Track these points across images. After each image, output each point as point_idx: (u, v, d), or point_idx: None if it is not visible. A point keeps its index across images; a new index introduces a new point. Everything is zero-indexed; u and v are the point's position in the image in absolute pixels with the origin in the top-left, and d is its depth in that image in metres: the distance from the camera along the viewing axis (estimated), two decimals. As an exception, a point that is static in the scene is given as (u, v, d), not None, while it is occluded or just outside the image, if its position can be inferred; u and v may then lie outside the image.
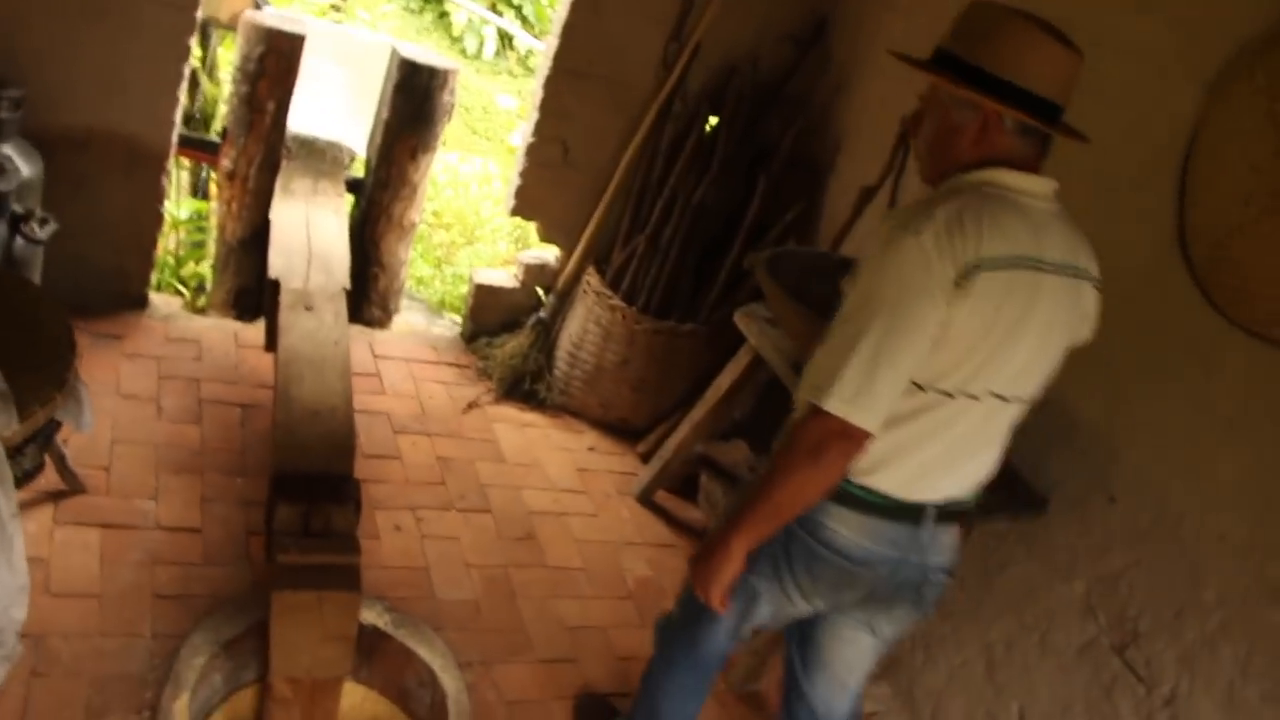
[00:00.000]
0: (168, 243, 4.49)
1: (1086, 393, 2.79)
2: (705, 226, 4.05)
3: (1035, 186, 1.89)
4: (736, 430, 4.02)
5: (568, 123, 4.12)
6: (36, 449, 1.65)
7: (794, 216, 4.00)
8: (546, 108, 4.08)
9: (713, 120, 4.08)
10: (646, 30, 3.99)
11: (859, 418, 1.74)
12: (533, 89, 4.25)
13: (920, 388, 1.86)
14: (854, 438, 1.77)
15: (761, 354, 3.31)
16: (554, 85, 4.04)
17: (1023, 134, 1.86)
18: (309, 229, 3.66)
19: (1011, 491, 2.87)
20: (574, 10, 3.91)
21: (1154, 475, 2.65)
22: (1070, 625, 2.80)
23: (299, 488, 2.46)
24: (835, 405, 1.73)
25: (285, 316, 3.06)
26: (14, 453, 1.58)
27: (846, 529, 2.00)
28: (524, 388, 4.23)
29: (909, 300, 1.73)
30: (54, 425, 1.72)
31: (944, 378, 1.86)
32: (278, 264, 3.38)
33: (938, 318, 1.75)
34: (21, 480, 1.58)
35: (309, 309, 3.13)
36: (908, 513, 2.02)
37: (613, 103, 4.10)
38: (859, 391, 1.72)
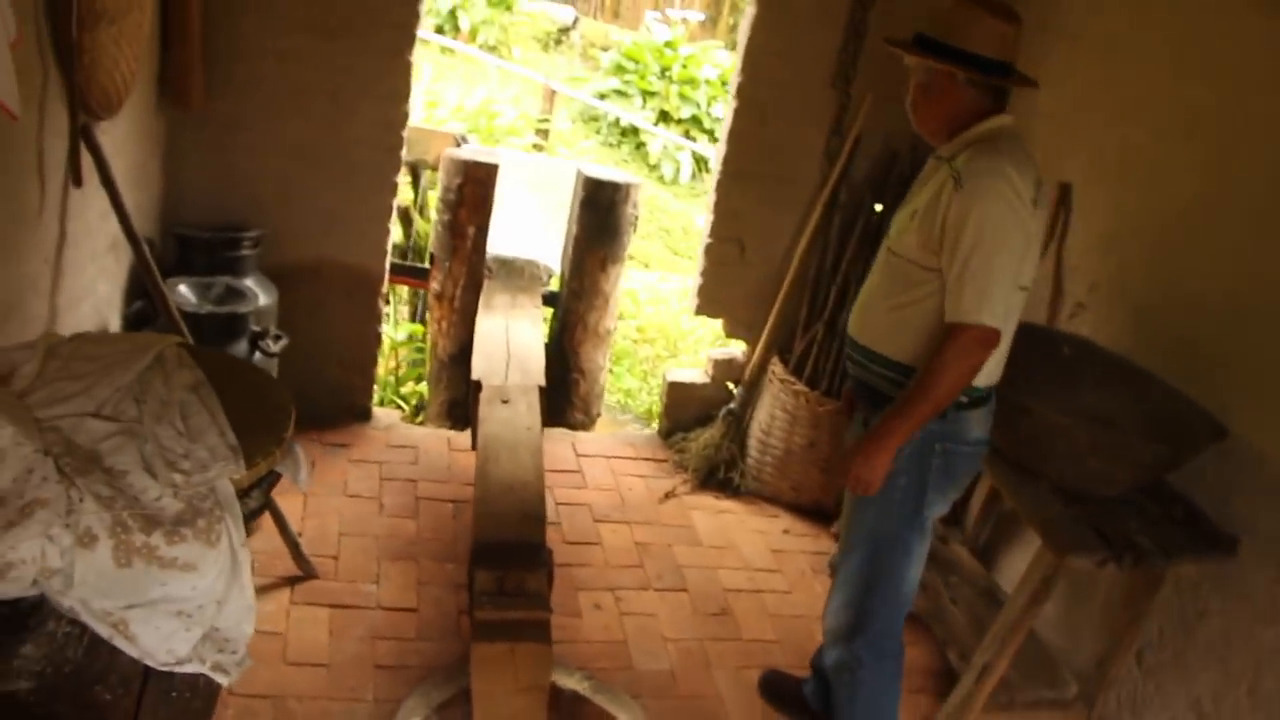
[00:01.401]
0: (388, 363, 4.93)
1: (1259, 421, 2.74)
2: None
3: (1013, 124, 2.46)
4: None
5: (741, 222, 4.36)
6: (260, 493, 1.98)
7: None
8: (720, 209, 4.33)
9: (878, 207, 4.22)
10: (807, 129, 4.22)
11: (999, 324, 2.30)
12: (707, 193, 4.53)
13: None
14: (994, 342, 2.32)
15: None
16: (725, 188, 4.30)
17: (984, 88, 2.38)
18: (508, 336, 3.99)
19: (1196, 532, 2.81)
20: (737, 117, 4.19)
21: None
22: (1279, 670, 2.68)
23: (496, 555, 2.69)
24: (988, 319, 2.28)
25: (484, 409, 3.36)
26: (242, 495, 1.88)
27: (978, 427, 2.55)
28: (719, 476, 4.39)
29: (1014, 228, 2.27)
30: (275, 476, 2.05)
31: (1025, 278, 2.42)
32: (479, 367, 3.70)
33: (1028, 233, 2.33)
34: (248, 518, 1.88)
35: (505, 402, 3.41)
36: (990, 399, 2.58)
37: (782, 199, 4.32)
38: (998, 304, 2.27)
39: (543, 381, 3.72)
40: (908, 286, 2.44)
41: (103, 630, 1.69)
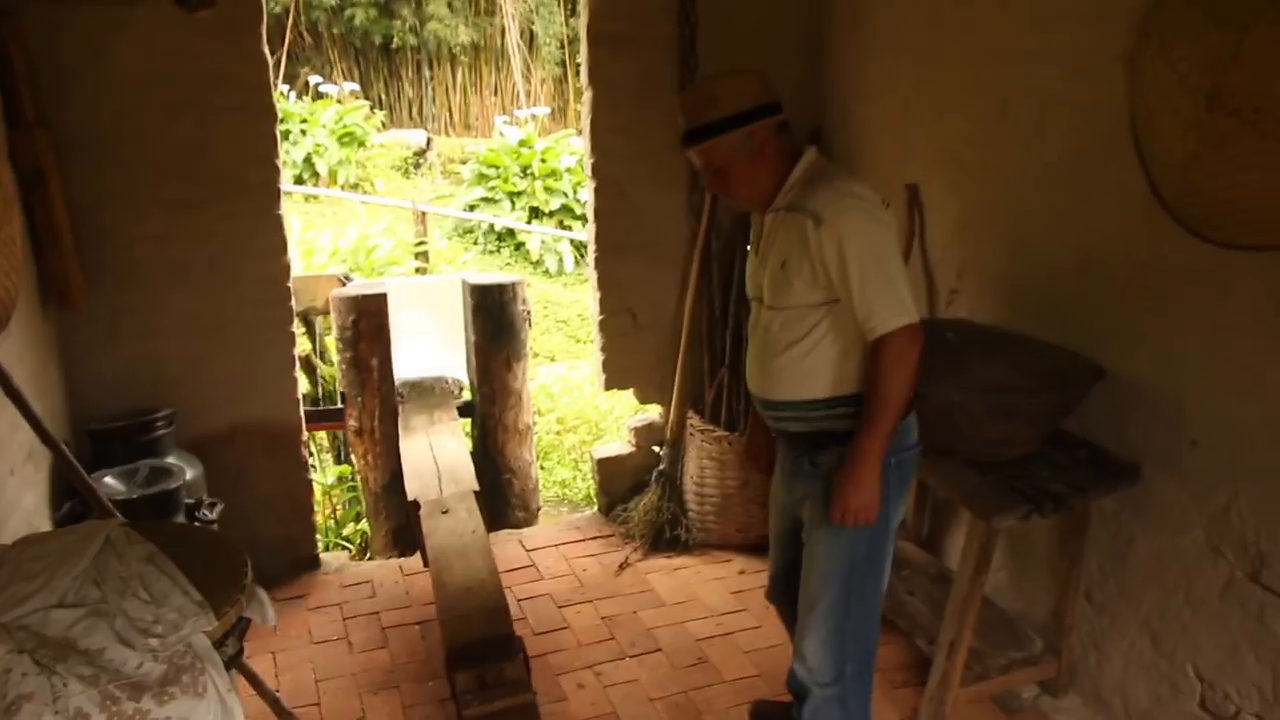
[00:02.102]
0: (324, 509, 4.99)
1: (1130, 356, 2.99)
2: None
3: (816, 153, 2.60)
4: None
5: (626, 291, 4.54)
6: (235, 640, 2.07)
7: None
8: (605, 284, 4.52)
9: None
10: (666, 191, 4.45)
11: (918, 317, 2.43)
12: (588, 273, 4.71)
13: None
14: (920, 335, 2.44)
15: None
16: (604, 263, 4.49)
17: (782, 129, 2.53)
18: (433, 452, 4.10)
19: (1102, 468, 3.02)
20: (599, 195, 4.41)
21: (1218, 405, 2.78)
22: (1205, 573, 2.87)
23: (470, 654, 2.79)
24: (907, 318, 2.40)
25: (426, 524, 3.47)
26: (218, 645, 1.97)
27: (914, 429, 2.68)
28: (666, 536, 4.52)
29: (886, 233, 2.44)
30: (245, 621, 2.14)
31: None
32: (413, 487, 3.81)
33: (893, 237, 2.49)
34: (227, 664, 1.96)
35: (445, 512, 3.52)
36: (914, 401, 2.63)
37: (659, 261, 4.53)
38: (909, 301, 2.42)
39: (476, 486, 3.83)
40: (804, 331, 2.51)
41: (114, 804, 1.76)
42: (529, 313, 4.82)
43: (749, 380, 2.75)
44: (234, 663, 2.08)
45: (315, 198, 12.04)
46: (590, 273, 4.61)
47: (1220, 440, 2.79)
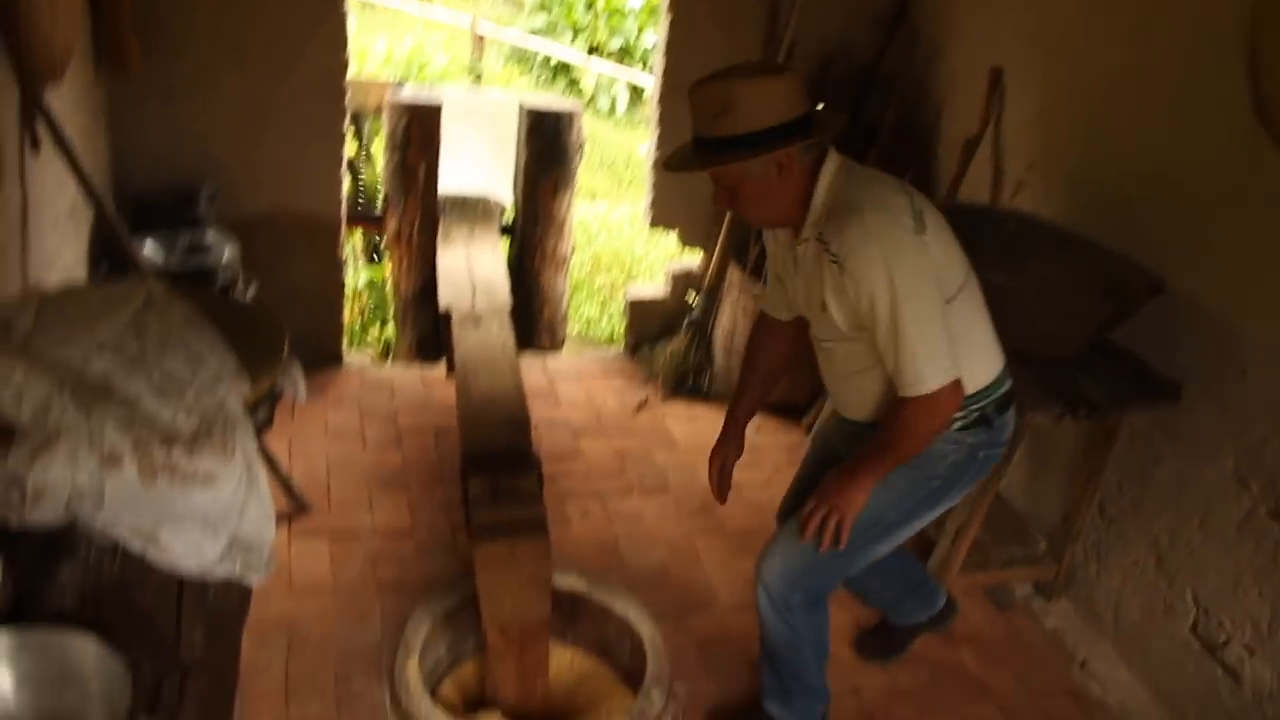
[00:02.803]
0: (353, 310, 5.00)
1: (1194, 276, 2.91)
2: (829, 205, 4.28)
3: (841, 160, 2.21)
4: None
5: (686, 132, 4.42)
6: (266, 408, 2.10)
7: (909, 180, 4.17)
8: (665, 123, 4.42)
9: (819, 106, 4.32)
10: (743, 37, 4.29)
11: (955, 371, 2.13)
12: (649, 105, 4.61)
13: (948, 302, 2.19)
14: (954, 394, 2.16)
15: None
16: (668, 101, 4.38)
17: (807, 148, 2.13)
18: (470, 265, 4.08)
19: (1143, 383, 2.99)
20: (673, 30, 4.27)
21: (1277, 340, 2.72)
22: (1226, 503, 2.87)
23: (486, 463, 2.80)
24: (936, 381, 2.11)
25: (458, 333, 3.46)
26: (249, 411, 1.98)
27: (1011, 424, 2.46)
28: (688, 384, 4.53)
29: (914, 272, 2.07)
30: (278, 392, 2.16)
31: (951, 284, 2.21)
32: (446, 296, 3.79)
33: (931, 256, 2.13)
34: (258, 430, 1.99)
35: (476, 324, 3.51)
36: (1012, 389, 2.47)
37: (725, 108, 4.40)
38: (940, 358, 2.10)
39: (510, 303, 3.81)
40: (870, 361, 2.27)
41: (135, 545, 1.79)
42: (583, 143, 4.72)
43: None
44: (262, 431, 2.09)
45: (372, 6, 11.75)
46: (651, 109, 4.51)
47: (1272, 375, 2.74)
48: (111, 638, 1.57)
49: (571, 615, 3.18)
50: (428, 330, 4.66)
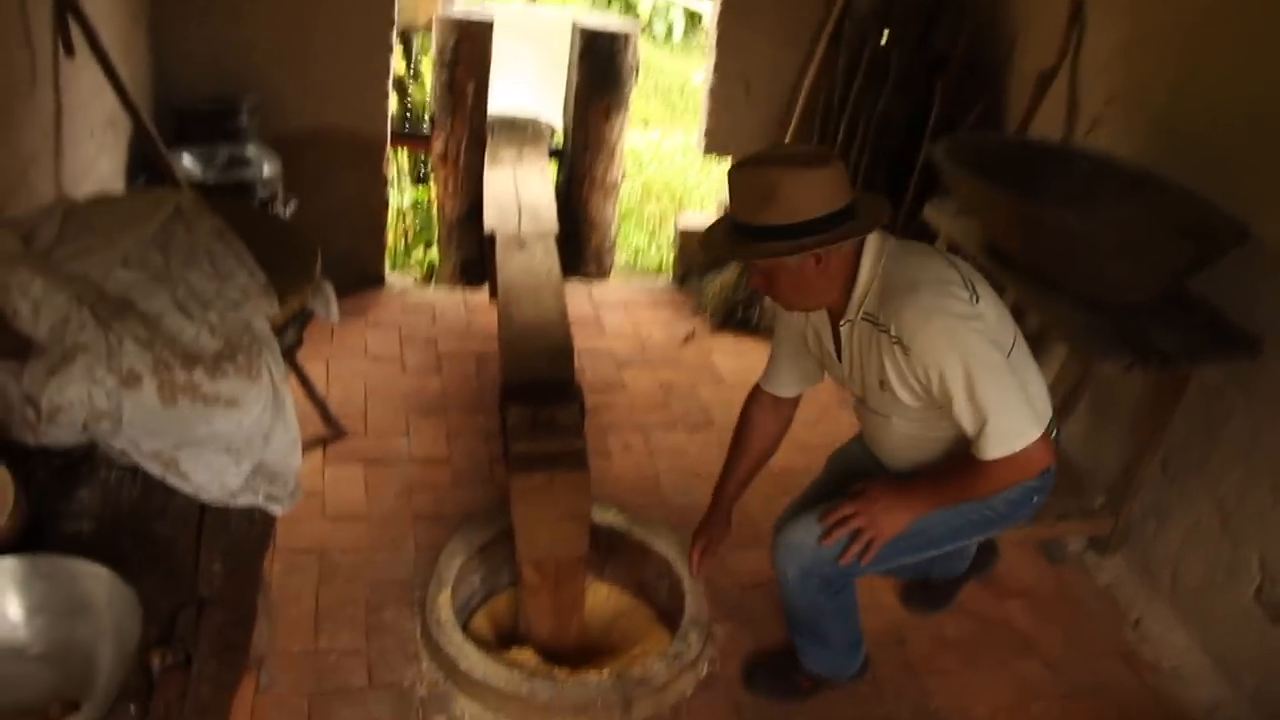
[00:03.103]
0: (396, 230, 4.91)
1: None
2: (890, 139, 4.10)
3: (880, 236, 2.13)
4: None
5: (745, 61, 4.28)
6: (295, 330, 1.99)
7: (977, 115, 4.00)
8: (723, 48, 4.25)
9: (885, 35, 4.13)
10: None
11: (1040, 426, 2.08)
12: (707, 32, 4.43)
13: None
14: (1043, 449, 2.09)
15: (954, 240, 3.36)
16: (725, 24, 4.20)
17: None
18: (517, 187, 3.95)
19: (1219, 334, 2.82)
20: (736, -50, 4.08)
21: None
22: (1303, 464, 2.72)
23: (527, 392, 2.69)
24: (1040, 424, 2.08)
25: (501, 256, 3.35)
26: (277, 333, 1.89)
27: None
28: (737, 317, 4.40)
29: (980, 341, 2.00)
30: (307, 313, 2.05)
31: (1006, 343, 2.15)
32: (491, 218, 3.68)
33: (988, 321, 2.07)
34: (285, 354, 1.89)
35: (522, 248, 3.40)
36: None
37: (784, 36, 4.25)
38: (1021, 412, 2.04)
39: (556, 228, 3.69)
40: (934, 428, 2.23)
41: (155, 470, 1.71)
42: (638, 66, 4.55)
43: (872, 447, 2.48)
44: (291, 354, 1.99)
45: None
46: (709, 35, 4.34)
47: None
48: (127, 566, 1.50)
49: (609, 551, 3.11)
50: (472, 254, 4.55)
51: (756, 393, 2.61)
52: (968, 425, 2.05)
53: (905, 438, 2.30)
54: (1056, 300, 2.90)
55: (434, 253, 4.92)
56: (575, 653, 2.84)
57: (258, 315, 1.84)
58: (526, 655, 2.78)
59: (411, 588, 2.89)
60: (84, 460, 1.77)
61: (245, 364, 1.74)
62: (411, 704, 2.57)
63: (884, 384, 2.14)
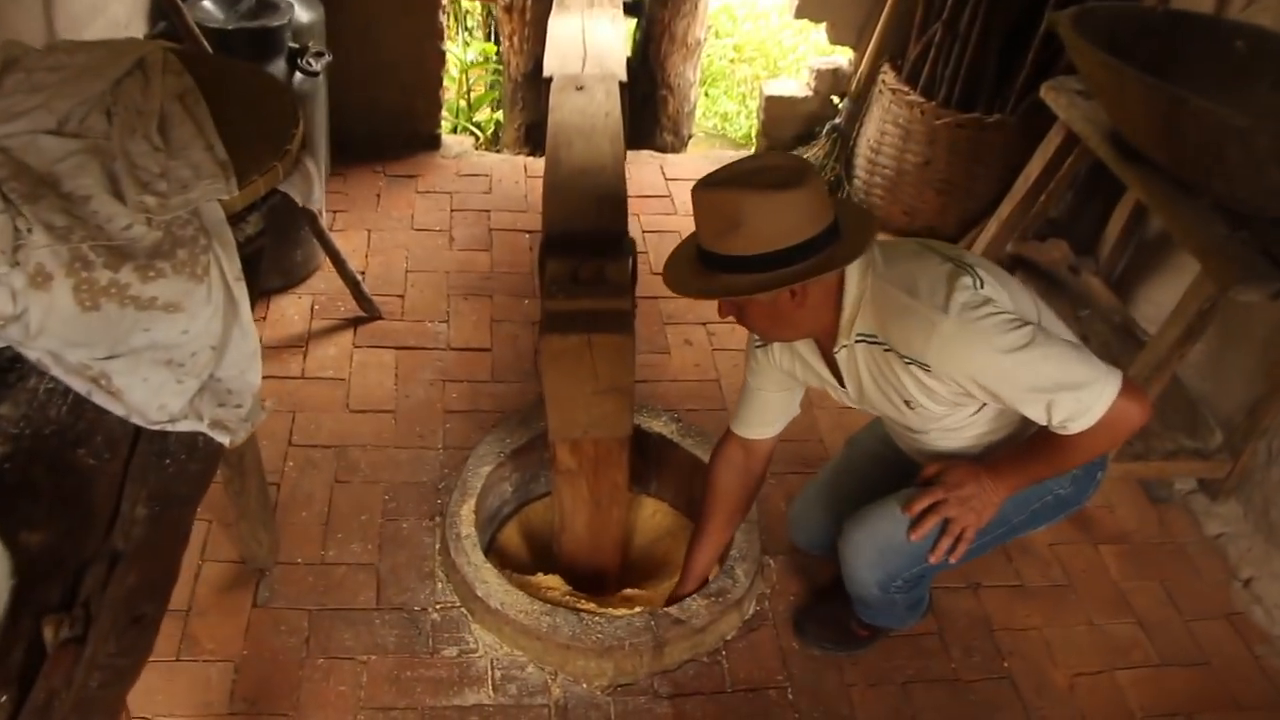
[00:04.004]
0: (460, 87, 4.53)
1: None
2: (1007, 5, 3.56)
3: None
4: (1055, 229, 3.60)
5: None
6: (259, 218, 1.61)
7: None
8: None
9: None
10: None
11: (1116, 376, 1.74)
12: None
13: None
14: (1131, 385, 1.77)
15: (1072, 128, 2.89)
16: None
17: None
18: (584, 34, 3.49)
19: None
20: None
21: None
22: None
23: (570, 242, 2.26)
24: (1115, 375, 1.74)
25: (555, 98, 2.93)
26: (236, 220, 1.55)
27: None
28: (825, 201, 3.98)
29: (1009, 322, 1.72)
30: (278, 196, 1.68)
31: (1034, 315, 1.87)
32: (551, 64, 3.22)
33: (1004, 304, 1.77)
34: (243, 246, 1.55)
35: (580, 89, 2.98)
36: None
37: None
38: (1096, 367, 1.74)
39: (624, 76, 3.23)
40: (949, 435, 2.00)
41: (79, 386, 1.42)
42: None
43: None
44: (250, 244, 1.65)
45: None
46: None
47: None
48: (35, 503, 1.23)
49: (658, 463, 2.81)
50: (539, 115, 4.17)
51: (725, 446, 2.28)
52: (1035, 416, 1.77)
53: (944, 435, 2.01)
54: (1191, 207, 2.45)
55: (501, 113, 4.56)
56: (612, 570, 2.57)
57: (209, 200, 1.51)
58: (554, 581, 2.52)
59: (435, 494, 2.63)
60: (11, 367, 1.48)
61: (188, 260, 1.43)
62: (421, 630, 2.33)
63: (910, 403, 1.88)
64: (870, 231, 1.73)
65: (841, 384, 1.98)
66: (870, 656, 2.42)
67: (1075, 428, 1.75)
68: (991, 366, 1.71)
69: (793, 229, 1.64)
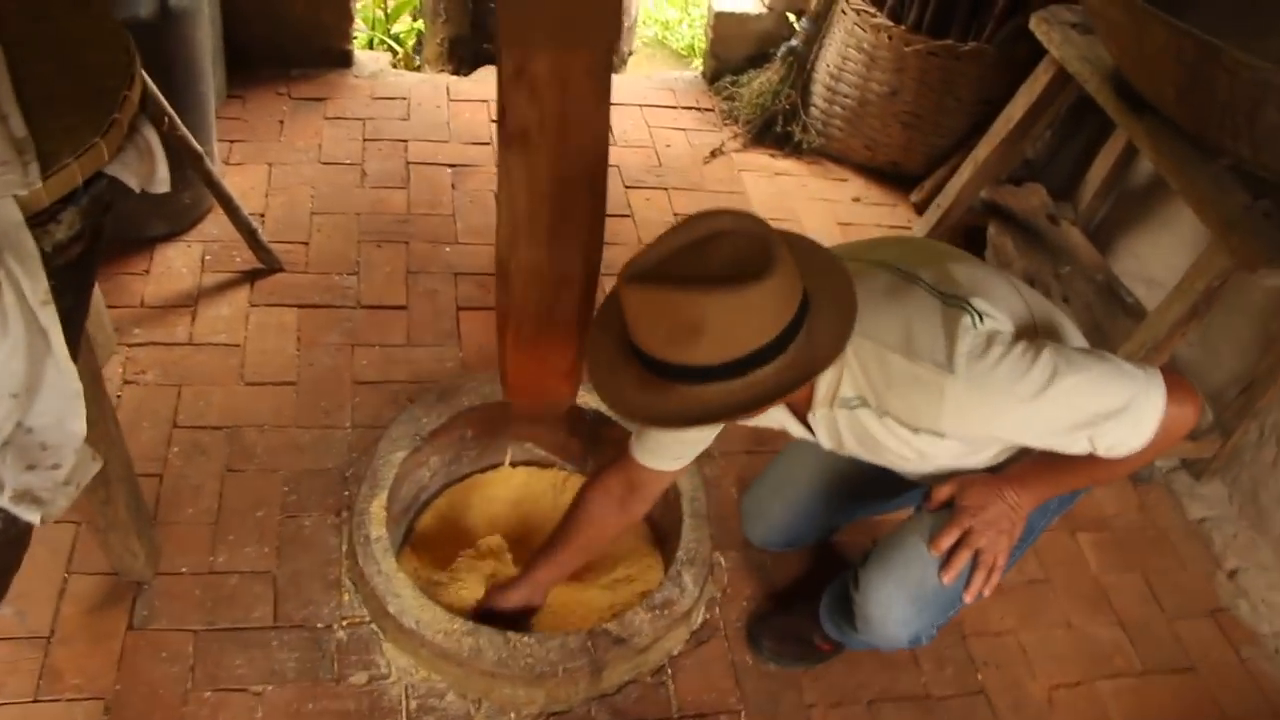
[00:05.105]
0: (376, -5, 4.08)
1: None
2: (990, -87, 3.21)
3: None
4: (1030, 171, 3.30)
5: None
6: (76, 213, 1.21)
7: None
8: None
9: None
10: None
11: (1159, 383, 1.48)
12: None
13: None
14: (1180, 386, 1.51)
15: (1066, 68, 2.57)
16: None
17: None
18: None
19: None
20: None
21: None
22: None
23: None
24: (1158, 388, 1.47)
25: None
26: (44, 220, 1.17)
27: None
28: (775, 130, 3.63)
29: (1018, 358, 1.43)
30: (103, 182, 1.28)
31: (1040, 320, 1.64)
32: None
33: (1007, 330, 1.50)
34: (54, 255, 1.16)
35: None
36: None
37: None
38: (1133, 377, 1.47)
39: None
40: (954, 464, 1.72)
41: None
42: None
43: None
44: (64, 252, 1.24)
45: None
46: None
47: None
48: None
49: (594, 440, 2.50)
50: (463, 27, 3.76)
51: (608, 475, 1.94)
52: (1077, 452, 1.51)
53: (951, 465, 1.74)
54: (1207, 170, 2.17)
55: (422, 23, 4.11)
56: (567, 392, 2.20)
57: (1, 195, 1.13)
58: (494, 543, 2.25)
59: (342, 483, 2.31)
60: None
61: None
62: (325, 652, 2.03)
63: (910, 459, 1.64)
64: (849, 302, 1.40)
65: (813, 434, 1.69)
66: (832, 672, 2.17)
67: (1125, 450, 1.50)
68: (1016, 418, 1.46)
69: (767, 323, 1.32)
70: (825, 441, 1.71)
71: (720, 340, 1.30)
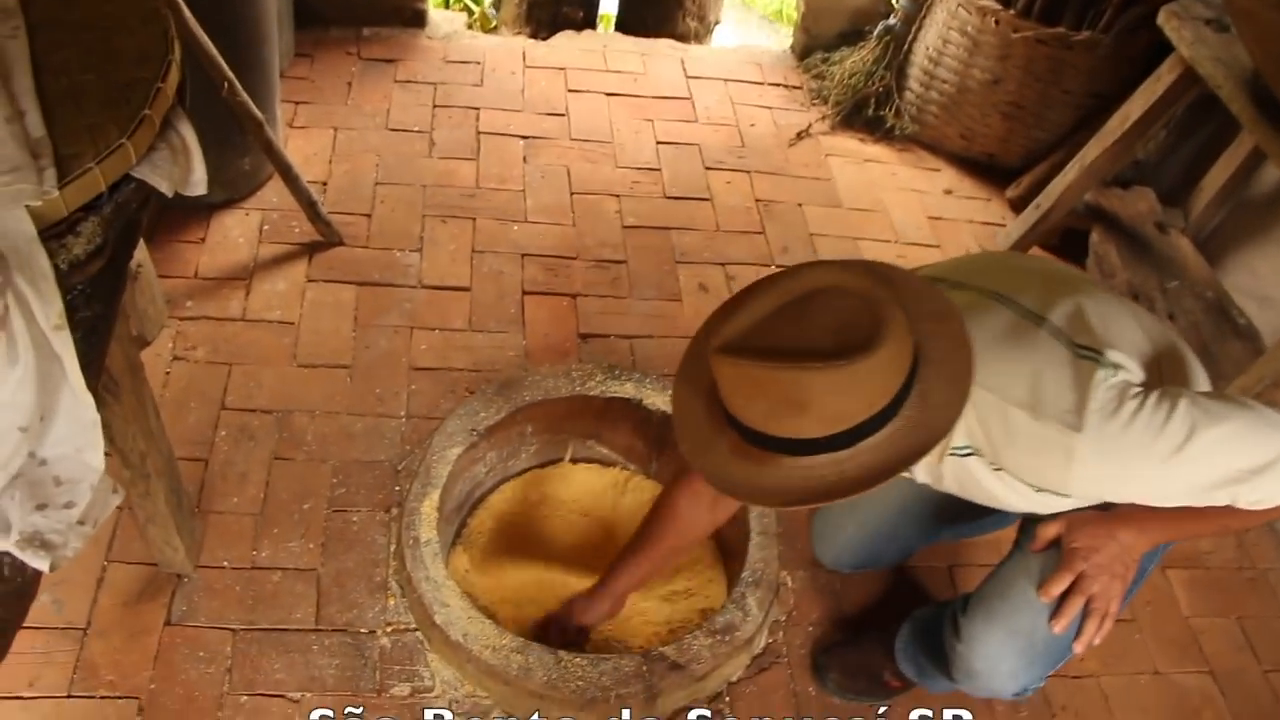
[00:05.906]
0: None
1: None
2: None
3: None
4: (1138, 173, 3.08)
5: None
6: (98, 224, 1.08)
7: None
8: None
9: None
10: None
11: None
12: None
13: None
14: None
15: (1196, 69, 2.36)
16: None
17: None
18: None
19: None
20: None
21: None
22: None
23: None
24: None
25: None
26: (61, 231, 1.05)
27: None
28: (866, 114, 3.44)
29: (1153, 411, 1.29)
30: (130, 186, 1.15)
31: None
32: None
33: (1137, 374, 1.37)
34: (71, 273, 1.05)
35: None
36: None
37: None
38: (1271, 422, 1.32)
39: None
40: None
41: None
42: None
43: None
44: (83, 269, 1.11)
45: None
46: None
47: None
48: None
49: (661, 443, 2.37)
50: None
51: (683, 483, 1.81)
52: (1221, 504, 1.36)
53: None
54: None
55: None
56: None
57: (14, 206, 1.01)
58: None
59: (393, 477, 2.21)
60: None
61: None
62: (368, 659, 1.93)
63: (1021, 508, 1.56)
64: (964, 358, 1.27)
65: (910, 474, 1.57)
66: (899, 709, 2.03)
67: (1270, 504, 1.35)
68: (1153, 482, 1.33)
69: (877, 394, 1.21)
70: (922, 478, 1.57)
71: (827, 416, 1.19)
